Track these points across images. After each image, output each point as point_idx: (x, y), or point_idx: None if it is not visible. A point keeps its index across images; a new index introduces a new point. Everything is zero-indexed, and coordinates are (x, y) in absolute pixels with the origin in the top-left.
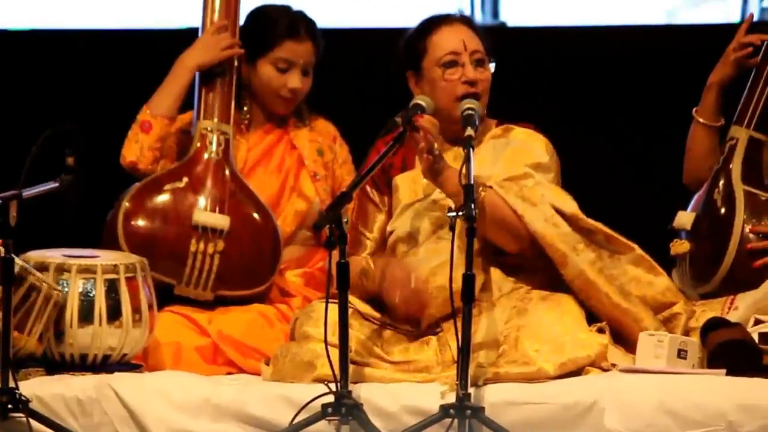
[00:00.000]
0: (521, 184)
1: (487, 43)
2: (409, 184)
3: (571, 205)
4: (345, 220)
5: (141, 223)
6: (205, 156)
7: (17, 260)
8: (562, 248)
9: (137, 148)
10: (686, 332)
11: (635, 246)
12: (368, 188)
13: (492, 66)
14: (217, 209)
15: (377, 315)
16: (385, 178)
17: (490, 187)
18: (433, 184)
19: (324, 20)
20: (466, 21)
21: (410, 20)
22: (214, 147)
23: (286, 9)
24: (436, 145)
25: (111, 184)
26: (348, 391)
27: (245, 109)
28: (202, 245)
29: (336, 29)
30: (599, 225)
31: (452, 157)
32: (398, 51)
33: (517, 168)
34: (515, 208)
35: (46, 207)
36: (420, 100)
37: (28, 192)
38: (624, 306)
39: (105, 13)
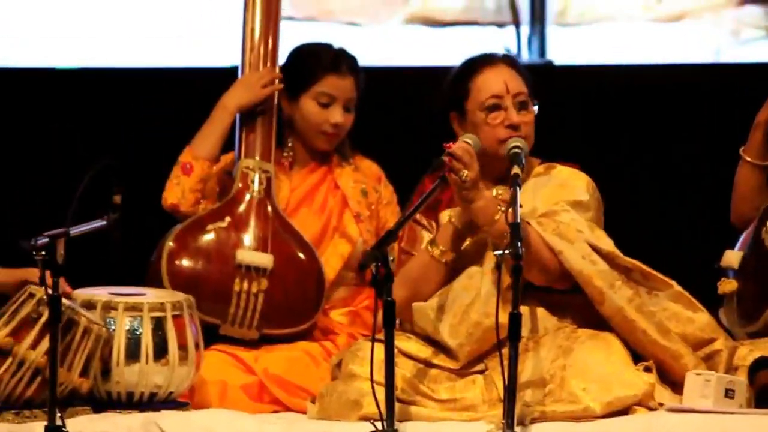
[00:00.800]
0: (557, 221)
1: (530, 84)
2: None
3: (607, 243)
4: (391, 258)
5: (185, 263)
6: (248, 195)
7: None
8: (599, 285)
9: (179, 191)
10: (729, 369)
11: (673, 283)
12: (418, 215)
13: (535, 107)
14: (261, 248)
15: (421, 355)
16: (434, 215)
17: (528, 223)
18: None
19: (368, 59)
20: (510, 61)
21: (454, 58)
22: (256, 186)
23: (327, 45)
24: (466, 173)
25: (153, 223)
26: (394, 430)
27: (288, 146)
28: (246, 284)
29: (381, 67)
30: (636, 262)
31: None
32: (442, 91)
33: (555, 204)
34: (552, 245)
35: (87, 245)
36: (467, 138)
37: (76, 230)
38: (662, 343)
39: (149, 51)
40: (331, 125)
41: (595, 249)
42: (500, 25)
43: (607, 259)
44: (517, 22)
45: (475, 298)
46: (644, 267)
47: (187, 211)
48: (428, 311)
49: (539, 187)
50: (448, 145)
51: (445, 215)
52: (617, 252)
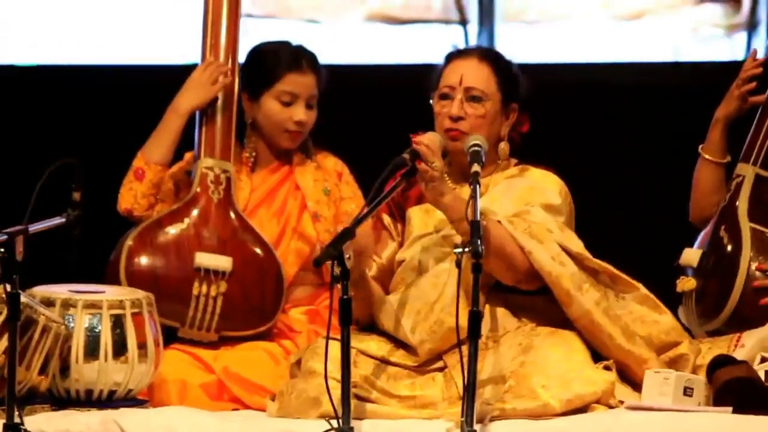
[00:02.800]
0: (528, 221)
1: (507, 82)
2: (422, 216)
3: (577, 244)
4: (347, 256)
5: (143, 263)
6: (207, 196)
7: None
8: (567, 287)
9: (131, 196)
10: (693, 371)
11: (640, 285)
12: (385, 215)
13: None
14: (220, 250)
15: (380, 353)
16: (400, 208)
17: (499, 222)
18: (437, 209)
19: (328, 56)
20: (484, 56)
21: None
22: (215, 186)
23: (286, 43)
24: (436, 163)
25: (113, 221)
26: (350, 428)
27: (251, 146)
28: (204, 287)
29: (341, 65)
30: (605, 264)
31: (464, 195)
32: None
33: (526, 205)
34: (522, 243)
35: (44, 242)
36: (430, 133)
37: (35, 227)
38: (627, 348)
39: (110, 49)
40: (294, 123)
41: (565, 250)
42: (450, 23)
43: (576, 261)
44: (463, 21)
45: (440, 297)
46: (612, 269)
47: (141, 216)
48: (390, 307)
49: (512, 188)
50: (414, 135)
51: (414, 212)
52: (586, 253)
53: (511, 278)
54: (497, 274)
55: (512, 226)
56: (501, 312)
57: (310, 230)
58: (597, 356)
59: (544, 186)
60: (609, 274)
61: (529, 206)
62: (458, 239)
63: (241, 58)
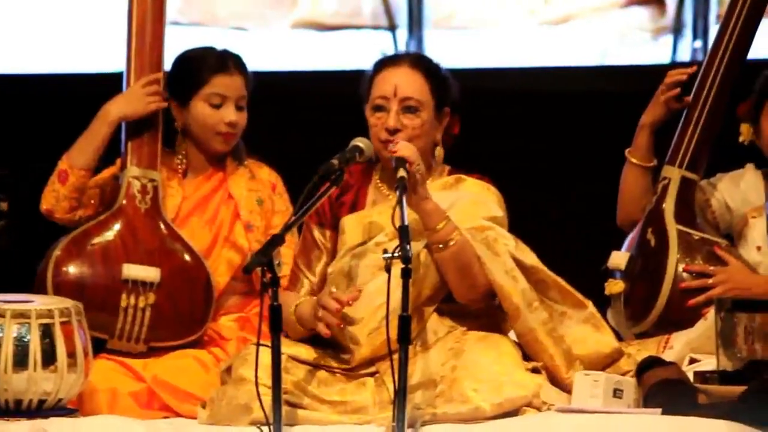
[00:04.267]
0: (485, 234)
1: (440, 88)
2: (355, 226)
3: (531, 257)
4: (277, 262)
5: (70, 276)
6: (134, 205)
7: None
8: (517, 302)
9: (53, 197)
10: (623, 374)
11: (589, 304)
12: (313, 226)
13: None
14: (147, 261)
15: (311, 357)
16: (332, 215)
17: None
18: (412, 210)
19: (256, 64)
20: (415, 63)
21: (342, 62)
22: (142, 195)
23: (210, 48)
24: (422, 167)
25: (42, 230)
26: None
27: (182, 153)
28: (132, 299)
29: (269, 72)
30: (557, 279)
31: (393, 202)
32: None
33: (474, 220)
34: (480, 254)
35: None
36: (359, 141)
37: None
38: (565, 374)
39: (36, 57)
40: (225, 125)
41: (519, 263)
42: (379, 28)
43: (529, 273)
44: (392, 27)
45: (381, 306)
46: (563, 284)
47: (61, 218)
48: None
49: (450, 200)
50: (393, 150)
51: (348, 220)
52: (540, 266)
53: (468, 296)
54: (457, 291)
55: (470, 237)
56: (431, 318)
57: (242, 240)
58: (526, 358)
59: (486, 198)
60: (559, 288)
61: (483, 222)
62: (391, 246)
63: (167, 66)
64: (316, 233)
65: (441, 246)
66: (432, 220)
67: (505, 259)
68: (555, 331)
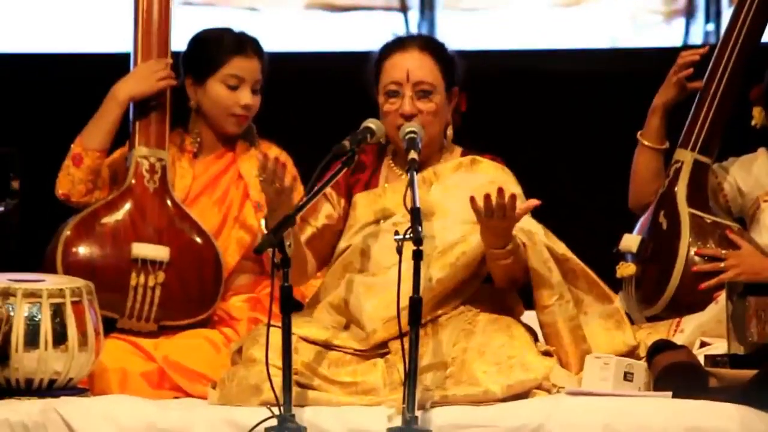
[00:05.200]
0: (522, 223)
1: (449, 70)
2: (368, 204)
3: (560, 246)
4: (288, 243)
5: (80, 254)
6: (142, 185)
7: None
8: (549, 293)
9: (69, 181)
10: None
11: (616, 299)
12: (329, 190)
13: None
14: (156, 240)
15: (321, 338)
16: (346, 185)
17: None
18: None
19: (268, 44)
20: (425, 46)
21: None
22: (150, 175)
23: (228, 29)
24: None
25: (53, 210)
26: (291, 415)
27: (195, 132)
28: (142, 278)
29: (281, 53)
30: (586, 269)
31: (406, 182)
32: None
33: None
34: (523, 240)
35: None
36: (370, 123)
37: None
38: (573, 370)
39: (45, 37)
40: (240, 107)
41: (551, 251)
42: (391, 10)
43: (560, 262)
44: (404, 8)
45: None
46: (592, 275)
47: (78, 202)
48: (359, 287)
49: (467, 183)
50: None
51: (361, 198)
52: (569, 254)
53: (507, 286)
54: (499, 282)
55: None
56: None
57: (251, 219)
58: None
59: (505, 180)
60: (588, 279)
61: None
62: (402, 229)
63: (179, 46)
64: (328, 189)
65: (503, 258)
66: (500, 236)
67: (541, 249)
68: (579, 329)
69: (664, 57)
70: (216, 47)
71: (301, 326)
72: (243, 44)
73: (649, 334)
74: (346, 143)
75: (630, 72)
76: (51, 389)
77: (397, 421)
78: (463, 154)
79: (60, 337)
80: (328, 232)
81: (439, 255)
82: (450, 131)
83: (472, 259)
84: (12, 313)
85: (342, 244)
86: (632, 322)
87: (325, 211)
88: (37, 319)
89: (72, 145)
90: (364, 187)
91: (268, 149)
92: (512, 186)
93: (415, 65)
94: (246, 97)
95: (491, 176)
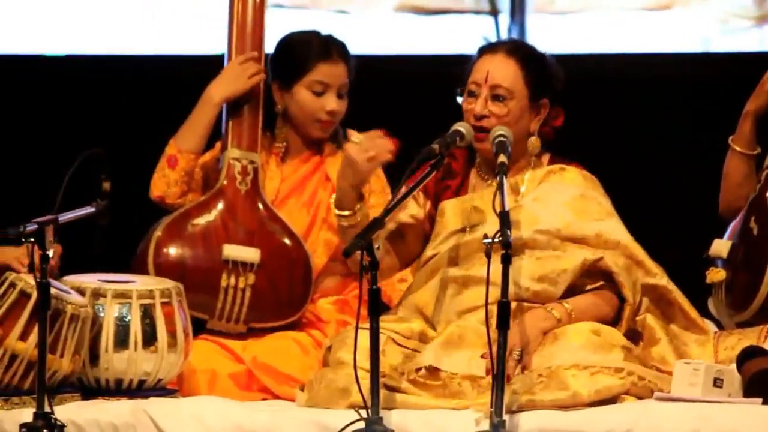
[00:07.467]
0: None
1: (536, 78)
2: (457, 212)
3: (657, 272)
4: (377, 246)
5: (171, 255)
6: (234, 187)
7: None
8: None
9: (164, 183)
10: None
11: (709, 329)
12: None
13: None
14: (248, 242)
15: (414, 334)
16: (435, 190)
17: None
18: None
19: (357, 47)
20: (512, 51)
21: (442, 47)
22: (242, 177)
23: (316, 33)
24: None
25: (143, 211)
26: (379, 418)
27: (282, 136)
28: (233, 279)
29: (370, 55)
30: (681, 301)
31: (494, 189)
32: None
33: (589, 222)
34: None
35: (72, 232)
36: (460, 126)
37: (65, 217)
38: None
39: (137, 39)
40: (326, 113)
41: (651, 284)
42: (481, 13)
43: (655, 291)
44: (494, 12)
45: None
46: (687, 307)
47: (173, 203)
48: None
49: (558, 192)
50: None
51: (449, 205)
52: (670, 285)
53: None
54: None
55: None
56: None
57: None
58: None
59: (593, 191)
60: (684, 312)
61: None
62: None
63: (268, 48)
64: (419, 197)
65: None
66: None
67: (635, 274)
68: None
69: (756, 62)
70: (302, 53)
71: (392, 323)
72: (329, 49)
73: (739, 340)
74: (436, 146)
75: (721, 76)
76: (140, 390)
77: (485, 425)
78: (551, 161)
79: (149, 338)
80: (410, 231)
81: (536, 261)
82: (534, 141)
83: (572, 279)
84: (102, 314)
85: (429, 252)
86: (722, 328)
87: (410, 210)
88: (126, 320)
89: (167, 147)
90: (453, 194)
91: None
92: (602, 198)
93: (496, 68)
94: (331, 102)
95: (581, 189)
